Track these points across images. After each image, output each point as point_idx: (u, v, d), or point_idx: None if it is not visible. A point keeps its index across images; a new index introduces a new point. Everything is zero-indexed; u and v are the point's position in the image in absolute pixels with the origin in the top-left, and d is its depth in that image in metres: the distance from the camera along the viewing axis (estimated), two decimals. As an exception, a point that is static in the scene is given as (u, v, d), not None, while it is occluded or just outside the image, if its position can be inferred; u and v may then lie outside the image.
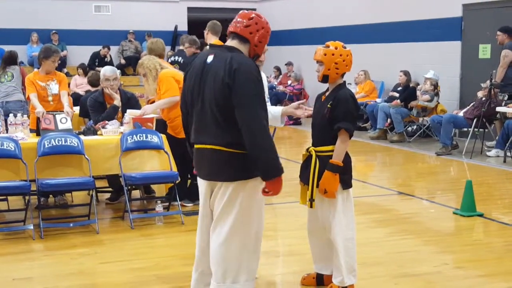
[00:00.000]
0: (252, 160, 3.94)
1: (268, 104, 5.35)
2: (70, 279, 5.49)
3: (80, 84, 15.94)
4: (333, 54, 4.78)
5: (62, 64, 18.10)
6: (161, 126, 7.68)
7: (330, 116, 4.77)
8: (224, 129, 3.99)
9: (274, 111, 4.99)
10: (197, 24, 18.49)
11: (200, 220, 4.34)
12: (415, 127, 13.69)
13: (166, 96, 7.43)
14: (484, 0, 12.86)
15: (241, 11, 4.23)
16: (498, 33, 11.83)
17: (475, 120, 11.36)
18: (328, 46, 4.83)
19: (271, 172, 3.97)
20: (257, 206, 4.17)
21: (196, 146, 4.19)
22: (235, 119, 3.93)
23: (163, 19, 20.39)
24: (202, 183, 4.25)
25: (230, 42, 4.15)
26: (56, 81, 7.96)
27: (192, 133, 4.22)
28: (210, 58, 4.09)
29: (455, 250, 6.27)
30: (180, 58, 9.62)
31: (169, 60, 9.37)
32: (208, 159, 4.10)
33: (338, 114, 4.74)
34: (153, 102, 7.82)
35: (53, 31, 18.98)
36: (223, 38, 6.50)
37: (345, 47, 4.84)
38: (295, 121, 16.58)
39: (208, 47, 4.47)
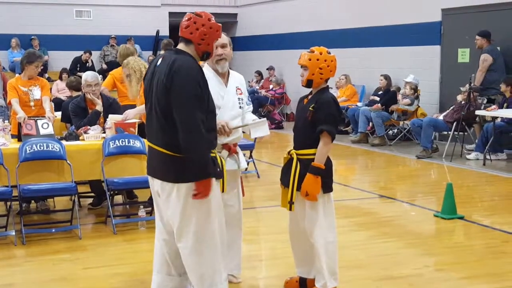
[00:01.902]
0: (187, 160, 4.03)
1: (251, 107, 5.39)
2: (52, 285, 5.48)
3: (62, 89, 15.88)
4: (317, 59, 4.81)
5: (44, 69, 18.01)
6: (143, 130, 7.67)
7: (312, 119, 4.81)
8: (167, 131, 4.10)
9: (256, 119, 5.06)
10: (178, 29, 18.48)
11: (156, 223, 4.47)
12: (395, 130, 13.78)
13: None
14: (463, 5, 12.98)
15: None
16: (477, 37, 11.95)
17: (454, 124, 11.45)
18: (312, 51, 4.86)
19: (200, 174, 4.05)
20: (215, 206, 4.24)
21: (147, 143, 4.36)
22: (175, 121, 4.04)
23: (145, 24, 20.36)
24: (153, 182, 4.33)
25: (179, 46, 4.28)
26: (38, 86, 7.94)
27: (146, 131, 4.38)
28: (159, 61, 4.22)
29: (436, 252, 6.32)
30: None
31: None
32: (157, 159, 4.22)
33: (320, 117, 4.77)
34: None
35: (33, 36, 18.88)
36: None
37: (329, 53, 4.88)
38: (277, 125, 16.61)
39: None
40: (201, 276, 4.19)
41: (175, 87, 4.01)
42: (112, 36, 19.85)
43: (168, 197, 4.18)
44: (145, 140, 7.34)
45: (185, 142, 3.99)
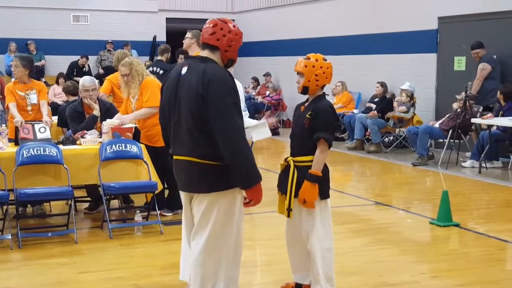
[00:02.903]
0: (233, 169, 3.97)
1: (246, 113, 5.40)
2: (48, 289, 5.49)
3: (59, 94, 15.88)
4: (313, 66, 4.83)
5: (40, 73, 18.01)
6: (138, 134, 7.67)
7: (309, 126, 4.82)
8: (199, 141, 4.03)
9: (256, 122, 5.03)
10: (175, 35, 18.51)
11: (182, 230, 4.44)
12: (391, 137, 13.80)
13: (147, 105, 7.41)
14: (459, 13, 13.03)
15: (207, 20, 4.26)
16: (476, 50, 11.91)
17: (450, 131, 11.48)
18: (309, 58, 4.88)
19: (252, 180, 4.02)
20: (236, 216, 4.21)
21: (174, 157, 4.25)
22: (210, 130, 3.97)
23: (142, 30, 20.36)
24: (182, 193, 4.32)
25: (202, 53, 4.20)
26: (35, 90, 7.95)
27: (171, 143, 4.28)
28: (184, 70, 4.13)
29: (431, 259, 6.34)
30: (158, 69, 9.63)
31: (148, 70, 9.38)
32: (184, 170, 4.16)
33: (317, 125, 4.78)
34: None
35: (29, 41, 18.87)
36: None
37: (325, 60, 4.89)
38: (273, 131, 16.64)
39: (183, 58, 4.52)
40: (202, 279, 4.16)
41: (213, 96, 3.94)
42: (109, 41, 19.85)
43: (201, 207, 4.12)
44: (143, 145, 7.38)
45: (231, 151, 3.92)
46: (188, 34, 7.84)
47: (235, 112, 3.97)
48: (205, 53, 4.18)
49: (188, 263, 4.38)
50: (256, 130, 4.98)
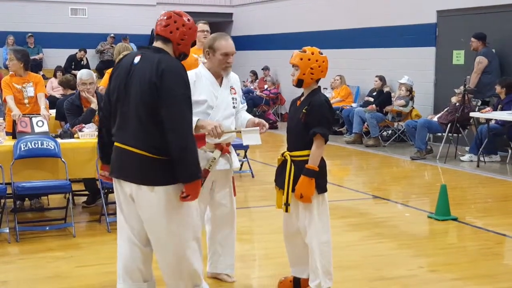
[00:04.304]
0: (177, 163, 3.93)
1: (245, 106, 5.39)
2: (46, 282, 5.48)
3: (56, 87, 15.85)
4: (309, 59, 4.80)
5: (38, 66, 17.99)
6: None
7: (305, 121, 4.80)
8: (149, 132, 3.99)
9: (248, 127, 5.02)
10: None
11: (121, 228, 4.38)
12: (390, 131, 13.79)
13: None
14: (458, 7, 13.01)
15: (163, 12, 4.22)
16: (472, 39, 11.96)
17: (449, 125, 11.48)
18: (304, 51, 4.86)
19: (193, 175, 3.98)
20: (191, 207, 4.18)
21: (117, 144, 4.16)
22: (160, 121, 3.93)
23: (140, 23, 20.33)
24: (121, 185, 4.21)
25: (155, 44, 4.18)
26: (32, 83, 7.92)
27: (115, 131, 4.18)
28: (136, 59, 4.10)
29: (429, 253, 6.34)
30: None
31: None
32: (131, 161, 4.08)
33: (313, 119, 4.76)
34: None
35: (29, 34, 18.86)
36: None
37: (321, 53, 4.87)
38: (271, 125, 16.62)
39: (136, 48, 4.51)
40: (180, 277, 4.18)
41: (165, 87, 3.91)
42: (111, 35, 19.82)
43: (148, 201, 4.06)
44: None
45: (178, 143, 3.89)
46: None
47: (185, 105, 3.95)
48: (158, 44, 4.16)
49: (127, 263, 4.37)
50: (247, 135, 4.96)
